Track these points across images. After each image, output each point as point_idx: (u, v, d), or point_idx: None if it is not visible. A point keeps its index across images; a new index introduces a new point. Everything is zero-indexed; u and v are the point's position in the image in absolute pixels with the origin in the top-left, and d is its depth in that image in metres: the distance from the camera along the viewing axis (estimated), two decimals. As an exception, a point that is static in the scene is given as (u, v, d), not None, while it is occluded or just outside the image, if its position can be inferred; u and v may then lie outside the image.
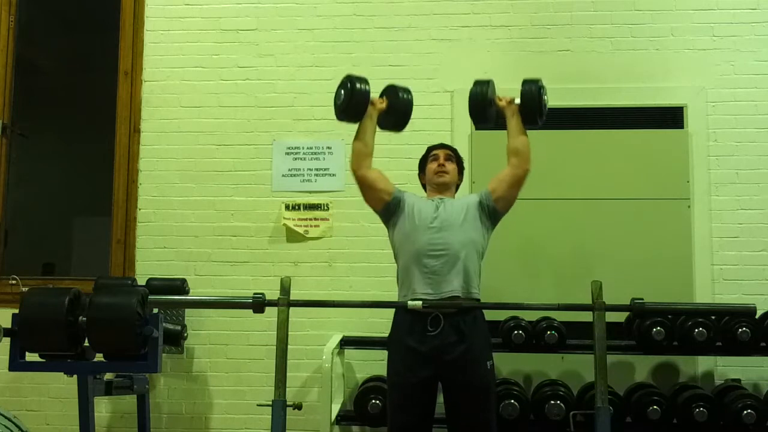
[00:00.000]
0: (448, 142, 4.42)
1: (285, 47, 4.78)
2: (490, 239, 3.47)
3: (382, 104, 3.53)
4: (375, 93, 4.59)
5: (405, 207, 3.43)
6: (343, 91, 3.47)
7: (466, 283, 3.28)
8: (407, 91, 3.58)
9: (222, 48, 4.80)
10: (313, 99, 4.70)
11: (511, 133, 3.47)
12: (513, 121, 3.47)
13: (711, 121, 4.56)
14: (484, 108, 3.51)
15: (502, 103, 3.51)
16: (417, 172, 3.70)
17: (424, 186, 3.66)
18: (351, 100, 3.44)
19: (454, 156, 3.61)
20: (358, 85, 3.44)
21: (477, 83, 3.54)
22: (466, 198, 3.56)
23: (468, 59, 4.69)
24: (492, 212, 3.42)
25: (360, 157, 3.46)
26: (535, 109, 3.45)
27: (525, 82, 3.49)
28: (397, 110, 3.55)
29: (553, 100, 4.57)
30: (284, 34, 4.79)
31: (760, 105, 4.57)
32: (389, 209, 3.45)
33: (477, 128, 3.61)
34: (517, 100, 3.47)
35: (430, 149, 3.65)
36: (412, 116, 4.31)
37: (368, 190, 3.48)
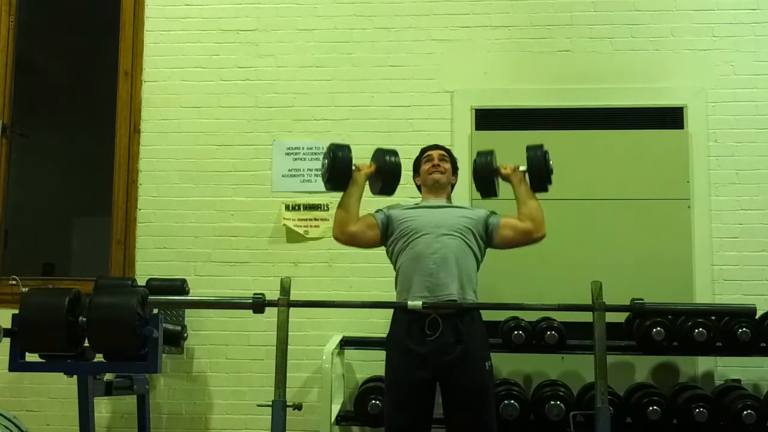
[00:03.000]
0: (448, 142, 4.45)
1: (285, 47, 4.78)
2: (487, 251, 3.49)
3: (369, 169, 3.50)
4: (376, 94, 4.67)
5: (394, 221, 3.43)
6: (326, 161, 3.45)
7: (463, 287, 3.29)
8: (394, 153, 3.54)
9: (222, 48, 4.80)
10: (313, 99, 4.70)
11: (520, 201, 3.43)
12: (521, 189, 3.44)
13: (711, 122, 4.56)
14: (489, 179, 3.49)
15: (507, 171, 3.48)
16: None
17: (418, 187, 3.66)
18: (333, 168, 3.42)
19: (448, 156, 3.62)
20: (339, 153, 3.42)
21: (480, 154, 3.54)
22: (470, 209, 3.57)
23: (468, 59, 4.69)
24: (489, 239, 3.44)
25: (342, 225, 3.42)
26: (543, 175, 3.42)
27: (529, 149, 3.45)
28: (384, 174, 3.52)
29: (553, 100, 4.63)
30: (284, 34, 4.79)
31: (760, 105, 4.57)
32: (384, 236, 3.45)
33: (483, 198, 3.60)
34: (522, 167, 3.45)
35: (423, 150, 3.66)
36: (413, 117, 4.32)
37: (358, 243, 3.50)
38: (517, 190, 3.45)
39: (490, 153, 3.52)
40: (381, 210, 3.50)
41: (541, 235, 3.41)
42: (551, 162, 3.45)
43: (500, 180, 3.55)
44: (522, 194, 3.44)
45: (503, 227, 3.42)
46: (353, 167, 3.46)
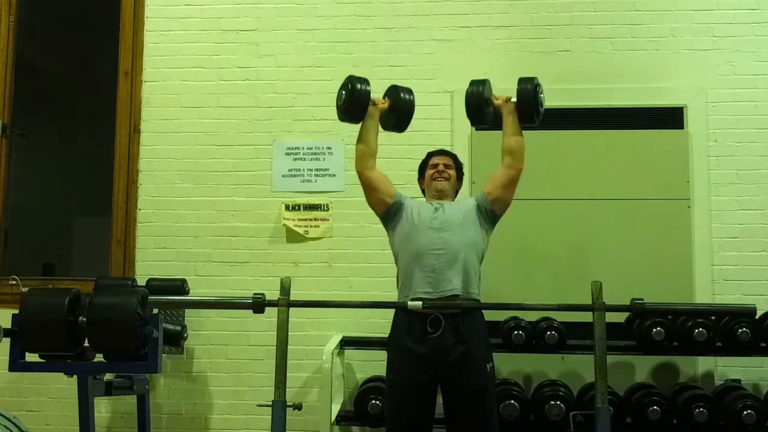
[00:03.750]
0: (448, 142, 4.45)
1: (285, 47, 4.78)
2: (490, 242, 3.48)
3: (384, 104, 3.56)
4: (377, 94, 4.67)
5: (404, 211, 3.44)
6: (344, 92, 3.50)
7: (466, 282, 3.29)
8: (410, 91, 3.60)
9: (222, 48, 4.80)
10: (313, 99, 4.70)
11: (506, 132, 3.47)
12: (509, 120, 3.47)
13: (711, 122, 4.56)
14: (480, 107, 3.51)
15: (499, 102, 3.52)
16: (416, 173, 3.70)
17: (423, 191, 3.66)
18: (351, 100, 3.46)
19: (454, 163, 3.62)
20: (358, 86, 3.46)
21: (473, 83, 3.55)
22: (464, 201, 3.58)
23: (468, 59, 4.69)
24: (490, 214, 3.44)
25: (363, 158, 3.49)
26: (531, 108, 3.45)
27: (521, 81, 3.49)
28: (398, 110, 3.57)
29: (553, 100, 4.58)
30: (284, 34, 4.79)
31: (760, 105, 4.57)
32: (390, 212, 3.46)
33: (474, 128, 3.62)
34: (514, 99, 3.48)
35: (429, 155, 3.65)
36: (413, 117, 4.30)
37: (371, 191, 3.49)
38: (506, 120, 3.49)
39: (483, 82, 3.54)
40: (403, 195, 3.52)
41: (519, 168, 3.43)
42: (542, 96, 3.48)
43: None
44: (509, 125, 3.47)
45: (489, 193, 3.44)
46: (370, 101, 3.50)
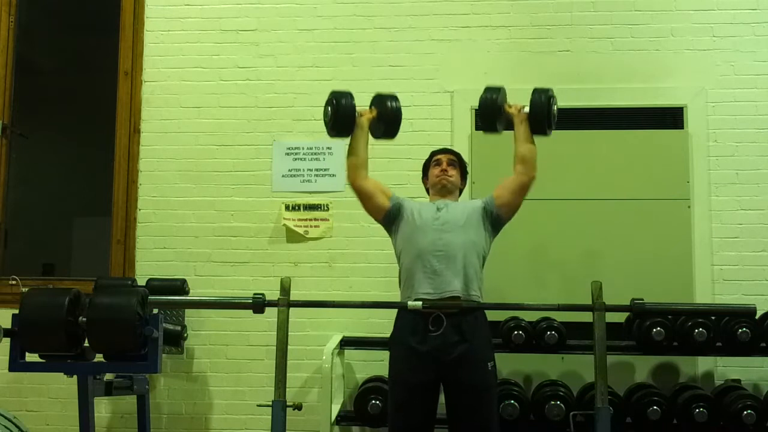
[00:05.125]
0: (448, 142, 4.45)
1: (285, 47, 4.78)
2: (493, 244, 3.48)
3: (372, 114, 3.55)
4: (374, 92, 4.67)
5: (404, 212, 3.45)
6: (329, 108, 3.50)
7: (466, 284, 3.29)
8: (395, 98, 3.59)
9: (222, 48, 4.80)
10: (313, 99, 4.69)
11: (518, 140, 3.47)
12: (521, 129, 3.47)
13: (711, 122, 4.56)
14: (493, 115, 3.51)
15: (512, 110, 3.51)
16: (417, 172, 3.72)
17: (427, 190, 3.67)
18: (337, 115, 3.47)
19: (457, 161, 3.63)
20: (342, 100, 3.47)
21: (488, 90, 3.55)
22: (469, 202, 3.58)
23: (468, 59, 4.69)
24: (495, 218, 3.44)
25: (355, 169, 3.48)
26: (543, 119, 3.44)
27: (535, 91, 3.48)
28: (386, 118, 3.56)
29: (553, 100, 4.62)
30: (284, 34, 4.79)
31: (760, 105, 4.57)
32: (389, 216, 3.47)
33: (484, 132, 3.61)
34: (527, 109, 3.47)
35: (433, 154, 3.66)
36: (413, 117, 4.31)
37: (367, 200, 3.50)
38: (518, 129, 3.48)
39: (498, 89, 3.54)
40: (400, 197, 3.52)
41: (532, 176, 3.43)
42: (555, 107, 3.47)
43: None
44: (521, 134, 3.47)
45: (498, 197, 3.44)
46: (356, 114, 3.50)
